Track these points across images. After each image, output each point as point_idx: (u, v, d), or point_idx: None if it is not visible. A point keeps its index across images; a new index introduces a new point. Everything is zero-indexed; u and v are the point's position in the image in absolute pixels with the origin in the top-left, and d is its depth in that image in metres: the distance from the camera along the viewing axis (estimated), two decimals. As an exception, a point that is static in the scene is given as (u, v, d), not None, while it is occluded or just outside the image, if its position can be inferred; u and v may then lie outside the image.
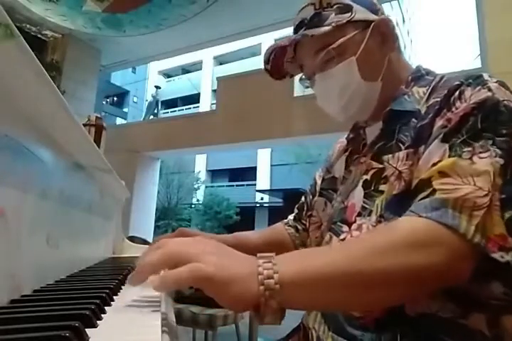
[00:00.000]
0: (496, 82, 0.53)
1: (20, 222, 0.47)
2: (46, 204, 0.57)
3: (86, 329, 0.31)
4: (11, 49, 0.38)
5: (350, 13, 0.63)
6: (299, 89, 5.64)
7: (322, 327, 0.60)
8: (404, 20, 23.92)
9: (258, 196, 16.04)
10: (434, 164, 0.49)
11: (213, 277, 0.36)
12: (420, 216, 0.44)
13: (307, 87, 0.71)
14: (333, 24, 0.62)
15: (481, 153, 0.47)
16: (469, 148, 0.48)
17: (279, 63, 0.71)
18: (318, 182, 0.81)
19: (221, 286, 0.37)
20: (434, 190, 0.46)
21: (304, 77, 0.71)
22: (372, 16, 0.64)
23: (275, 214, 14.50)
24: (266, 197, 15.79)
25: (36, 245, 0.53)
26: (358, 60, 0.62)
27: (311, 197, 0.82)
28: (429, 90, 0.60)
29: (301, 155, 13.02)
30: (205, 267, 0.37)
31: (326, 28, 0.62)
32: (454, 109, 0.52)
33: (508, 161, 0.47)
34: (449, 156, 0.48)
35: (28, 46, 0.40)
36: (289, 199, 12.18)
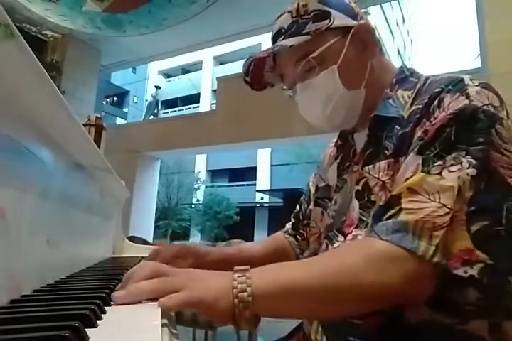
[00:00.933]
0: (477, 86, 0.52)
1: (21, 222, 0.47)
2: (46, 204, 0.57)
3: (86, 329, 0.31)
4: (11, 49, 0.38)
5: (328, 20, 0.61)
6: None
7: (324, 338, 0.59)
8: (404, 20, 23.91)
9: (258, 196, 16.04)
10: (407, 179, 0.49)
11: (202, 300, 0.41)
12: (381, 238, 0.46)
13: (289, 97, 0.69)
14: (311, 32, 0.60)
15: (451, 166, 0.47)
16: (440, 162, 0.48)
17: (259, 74, 0.69)
18: (312, 189, 0.80)
19: (210, 305, 0.41)
20: (401, 209, 0.47)
21: (284, 87, 0.69)
22: (351, 22, 0.62)
23: (275, 214, 14.51)
24: (266, 197, 15.80)
25: (36, 245, 0.53)
26: (340, 68, 0.61)
27: (306, 205, 0.81)
28: (413, 94, 0.59)
29: (301, 155, 13.01)
30: (195, 292, 0.42)
31: (304, 37, 0.60)
32: (432, 118, 0.51)
33: (481, 171, 0.46)
34: (422, 171, 0.48)
35: (28, 46, 0.40)
36: (289, 199, 12.20)
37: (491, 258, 0.43)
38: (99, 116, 1.36)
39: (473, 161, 0.46)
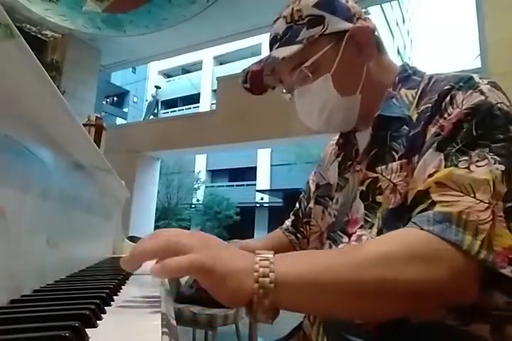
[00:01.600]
0: (487, 84, 0.51)
1: (21, 222, 0.47)
2: (46, 204, 0.57)
3: (86, 329, 0.31)
4: (11, 49, 0.38)
5: (322, 26, 0.60)
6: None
7: (325, 338, 0.59)
8: (404, 20, 23.91)
9: (258, 196, 16.04)
10: (431, 175, 0.47)
11: (213, 270, 0.37)
12: (422, 229, 0.43)
13: (289, 99, 0.69)
14: (304, 41, 0.59)
15: (478, 161, 0.45)
16: (466, 157, 0.46)
17: (259, 79, 0.69)
18: (312, 187, 0.79)
19: (219, 280, 0.37)
20: (434, 203, 0.45)
21: (284, 91, 0.69)
22: (346, 25, 0.61)
23: (275, 214, 14.51)
24: (266, 197, 15.80)
25: (36, 245, 0.53)
26: (334, 75, 0.60)
27: (305, 203, 0.81)
28: (418, 93, 0.58)
29: (301, 155, 13.02)
30: (205, 259, 0.37)
31: (297, 47, 0.59)
32: (446, 115, 0.50)
33: (509, 167, 0.45)
34: (445, 166, 0.47)
35: (28, 46, 0.40)
36: (289, 199, 12.19)
37: None
38: (99, 116, 1.36)
39: (497, 158, 0.45)
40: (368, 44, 0.62)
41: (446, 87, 0.52)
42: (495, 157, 0.45)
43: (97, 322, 0.35)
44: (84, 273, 0.72)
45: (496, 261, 0.40)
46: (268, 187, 15.92)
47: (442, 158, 0.48)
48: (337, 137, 0.76)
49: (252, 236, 14.64)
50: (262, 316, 0.38)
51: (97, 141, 1.29)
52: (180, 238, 0.40)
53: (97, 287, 0.51)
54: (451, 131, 0.49)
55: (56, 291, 0.49)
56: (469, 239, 0.41)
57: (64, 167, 0.67)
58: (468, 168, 0.45)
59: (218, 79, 6.73)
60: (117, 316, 0.38)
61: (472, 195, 0.43)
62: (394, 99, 0.60)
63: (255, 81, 0.69)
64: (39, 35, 6.12)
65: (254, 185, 16.58)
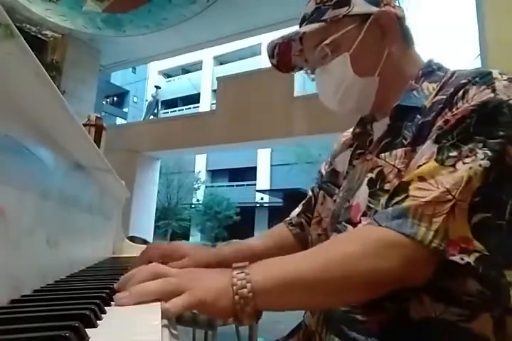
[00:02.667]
0: (505, 80, 0.51)
1: (20, 222, 0.47)
2: (46, 204, 0.57)
3: (86, 329, 0.31)
4: (11, 49, 0.38)
5: (347, 7, 0.62)
6: (299, 89, 5.64)
7: (325, 330, 0.60)
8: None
9: (258, 196, 16.05)
10: (420, 165, 0.49)
11: (205, 299, 0.42)
12: (380, 225, 0.47)
13: (313, 80, 0.71)
14: (327, 20, 0.62)
15: (466, 157, 0.47)
16: (455, 153, 0.47)
17: (287, 57, 0.71)
18: (324, 175, 0.79)
19: (211, 304, 0.42)
20: (407, 197, 0.48)
21: (308, 71, 0.71)
22: (372, 9, 0.62)
23: (275, 214, 14.49)
24: (266, 197, 15.80)
25: (36, 245, 0.53)
26: (352, 55, 0.62)
27: (317, 190, 0.80)
28: (438, 86, 0.58)
29: (301, 155, 13.02)
30: (198, 293, 0.42)
31: (317, 25, 0.62)
32: (454, 109, 0.51)
33: (494, 163, 0.46)
34: (436, 159, 0.48)
35: (28, 46, 0.40)
36: (289, 199, 12.20)
37: (488, 249, 0.44)
38: (99, 116, 1.36)
39: (489, 153, 0.46)
40: (391, 29, 0.63)
41: (463, 81, 0.53)
42: (487, 152, 0.46)
43: (97, 322, 0.35)
44: (84, 273, 0.72)
45: (448, 249, 0.44)
46: (268, 187, 15.92)
47: (435, 150, 0.49)
48: (351, 129, 0.77)
49: (252, 236, 14.62)
50: (247, 320, 0.43)
51: (97, 141, 1.29)
52: (176, 280, 0.44)
53: (97, 287, 0.51)
54: (451, 126, 0.49)
55: (56, 291, 0.49)
56: (423, 230, 0.44)
57: (64, 167, 0.67)
58: (454, 165, 0.47)
59: (218, 79, 6.74)
60: (117, 316, 0.38)
61: (444, 190, 0.46)
62: (415, 92, 0.60)
63: (283, 59, 0.72)
64: (39, 35, 6.12)
65: (254, 185, 16.58)
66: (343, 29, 0.62)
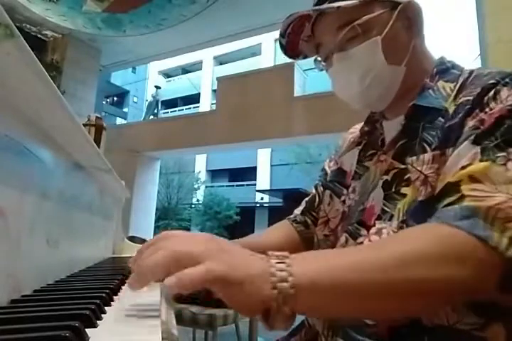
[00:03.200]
0: None
1: (20, 222, 0.47)
2: (46, 204, 0.57)
3: (86, 329, 0.31)
4: (11, 49, 0.38)
5: None
6: (299, 89, 5.64)
7: (331, 333, 0.57)
8: (404, 20, 23.82)
9: (258, 196, 16.04)
10: (463, 167, 0.45)
11: (227, 278, 0.34)
12: (449, 224, 0.41)
13: (321, 70, 0.66)
14: None
15: None
16: (503, 153, 0.44)
17: (295, 41, 0.67)
18: (329, 173, 0.77)
19: (234, 287, 0.34)
20: (463, 196, 0.43)
21: (319, 58, 0.66)
22: None
23: (275, 214, 14.48)
24: (266, 197, 15.79)
25: (36, 245, 0.53)
26: (384, 40, 0.58)
27: (321, 188, 0.78)
28: (457, 87, 0.56)
29: (301, 155, 13.01)
30: (218, 267, 0.34)
31: (353, 2, 0.58)
32: (487, 109, 0.49)
33: None
34: (481, 160, 0.45)
35: (28, 46, 0.40)
36: (289, 199, 12.19)
37: None
38: (99, 116, 1.36)
39: None
40: (417, 21, 0.61)
41: (491, 81, 0.51)
42: None
43: (97, 322, 0.35)
44: (84, 273, 0.72)
45: None
46: (268, 187, 15.91)
47: (478, 151, 0.46)
48: (359, 125, 0.74)
49: (252, 236, 14.61)
50: (281, 324, 0.35)
51: (97, 141, 1.29)
52: (187, 247, 0.37)
53: (97, 287, 0.51)
54: (491, 126, 0.47)
55: (56, 291, 0.49)
56: (497, 236, 0.39)
57: (64, 167, 0.67)
58: (505, 164, 0.44)
59: (218, 79, 6.74)
60: (117, 316, 0.38)
61: (506, 192, 0.41)
62: (431, 91, 0.58)
63: (291, 43, 0.67)
64: (39, 35, 6.12)
65: (254, 185, 16.57)
66: (374, 12, 0.58)
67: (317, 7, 0.60)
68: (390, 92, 0.62)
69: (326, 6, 0.59)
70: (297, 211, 0.81)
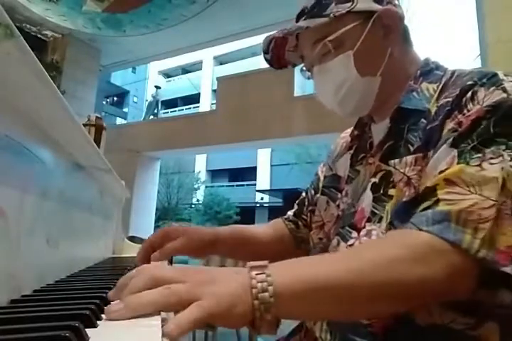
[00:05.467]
0: None
1: (20, 222, 0.47)
2: (46, 204, 0.57)
3: (86, 329, 0.31)
4: (11, 49, 0.38)
5: (351, 3, 0.59)
6: (299, 88, 5.64)
7: (328, 336, 0.58)
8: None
9: (258, 196, 16.04)
10: (442, 171, 0.46)
11: (215, 312, 0.35)
12: (420, 229, 0.43)
13: (308, 78, 0.68)
14: (331, 15, 0.59)
15: (491, 158, 0.44)
16: (479, 155, 0.45)
17: (281, 52, 0.68)
18: (322, 178, 0.78)
19: (225, 314, 0.36)
20: (438, 200, 0.44)
21: (304, 68, 0.68)
22: (375, 6, 0.60)
23: (275, 214, 14.35)
24: (266, 197, 15.79)
25: (36, 245, 0.53)
26: (356, 54, 0.60)
27: (313, 192, 0.79)
28: (439, 87, 0.57)
29: (301, 155, 13.01)
30: (204, 305, 0.34)
31: (322, 20, 0.59)
32: (465, 111, 0.49)
33: None
34: (458, 163, 0.46)
35: (28, 46, 0.40)
36: (288, 199, 12.17)
37: None
38: (99, 116, 1.36)
39: None
40: (395, 28, 0.61)
41: (469, 83, 0.51)
42: (511, 154, 0.44)
43: (97, 322, 0.35)
44: (84, 273, 0.72)
45: (498, 259, 0.40)
46: (268, 187, 15.91)
47: (456, 154, 0.47)
48: (350, 129, 0.75)
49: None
50: (266, 329, 0.37)
51: (97, 141, 1.29)
52: (183, 287, 0.37)
53: (97, 287, 0.51)
54: (468, 128, 0.48)
55: (56, 291, 0.49)
56: (468, 238, 0.40)
57: (64, 167, 0.67)
58: (479, 165, 0.44)
59: (218, 79, 6.74)
60: (117, 316, 0.38)
61: (479, 193, 0.43)
62: (415, 93, 0.59)
63: (277, 55, 0.69)
64: (39, 35, 6.12)
65: (254, 185, 16.57)
66: (346, 26, 0.59)
67: (289, 29, 0.62)
68: (366, 102, 0.63)
69: (296, 26, 0.62)
70: (290, 212, 0.84)
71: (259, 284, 0.37)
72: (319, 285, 0.39)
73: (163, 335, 0.33)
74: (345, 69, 0.61)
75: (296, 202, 0.84)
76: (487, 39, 3.89)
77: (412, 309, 0.48)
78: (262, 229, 0.80)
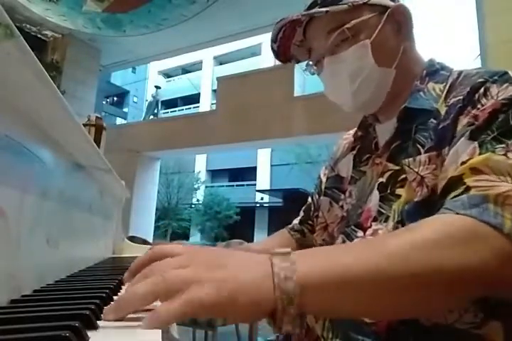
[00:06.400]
0: None
1: (20, 222, 0.47)
2: (46, 204, 0.57)
3: (86, 330, 0.31)
4: (11, 49, 0.38)
5: None
6: (299, 89, 5.64)
7: (330, 334, 0.57)
8: (404, 20, 23.80)
9: (258, 196, 16.04)
10: (464, 162, 0.45)
11: (216, 302, 0.31)
12: (458, 213, 0.39)
13: (313, 74, 0.68)
14: (349, 3, 0.59)
15: None
16: (502, 145, 0.44)
17: (287, 46, 0.68)
18: (324, 180, 0.78)
19: (240, 304, 0.32)
20: (469, 188, 0.42)
21: (310, 62, 0.67)
22: (389, 2, 0.61)
23: (275, 214, 14.50)
24: (266, 197, 15.79)
25: (36, 245, 0.53)
26: (373, 43, 0.59)
27: (317, 196, 0.79)
28: (446, 87, 0.57)
29: (301, 155, 13.01)
30: (203, 293, 0.31)
31: (342, 7, 0.59)
32: (479, 106, 0.49)
33: None
34: (480, 154, 0.45)
35: (28, 46, 0.40)
36: (289, 199, 12.19)
37: None
38: (99, 116, 1.36)
39: None
40: (406, 25, 0.62)
41: (480, 80, 0.52)
42: None
43: (97, 322, 0.35)
44: (84, 273, 0.72)
45: None
46: (268, 187, 15.90)
47: (476, 146, 0.46)
48: (353, 131, 0.75)
49: (252, 236, 14.63)
50: (289, 326, 0.33)
51: (97, 141, 1.29)
52: (178, 272, 0.33)
53: (97, 287, 0.51)
54: (485, 120, 0.47)
55: (56, 291, 0.49)
56: (509, 223, 0.38)
57: (64, 167, 0.67)
58: (505, 154, 0.44)
59: (218, 79, 6.74)
60: (117, 316, 0.38)
61: (510, 181, 0.41)
62: (421, 93, 0.59)
63: (283, 47, 0.68)
64: (39, 35, 6.13)
65: (254, 185, 16.57)
66: (363, 16, 0.60)
67: (306, 12, 0.61)
68: (380, 94, 0.63)
69: (314, 10, 0.61)
70: (296, 221, 0.84)
71: (282, 272, 0.33)
72: (349, 275, 0.34)
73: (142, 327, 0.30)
74: (362, 57, 0.60)
75: (303, 208, 0.84)
76: (487, 39, 3.89)
77: (463, 306, 0.45)
78: (267, 244, 0.80)
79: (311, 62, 0.67)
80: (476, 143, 0.46)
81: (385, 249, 0.37)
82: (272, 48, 0.68)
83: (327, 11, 0.59)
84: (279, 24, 0.64)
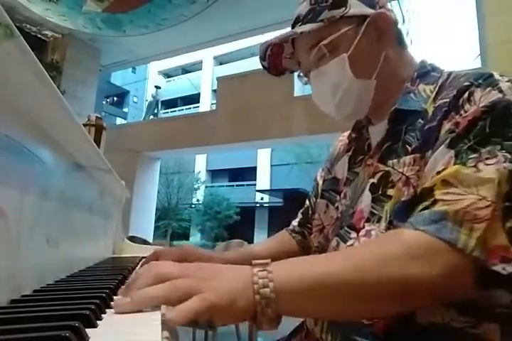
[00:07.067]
0: (508, 81, 0.51)
1: (20, 222, 0.47)
2: (46, 204, 0.57)
3: (86, 329, 0.31)
4: (11, 49, 0.38)
5: (344, 8, 0.61)
6: (298, 89, 5.64)
7: (329, 337, 0.58)
8: (404, 20, 23.89)
9: (258, 196, 16.04)
10: (439, 172, 0.47)
11: (219, 303, 0.37)
12: (417, 229, 0.43)
13: (305, 84, 0.70)
14: (325, 20, 0.61)
15: (487, 159, 0.45)
16: (475, 155, 0.46)
17: (278, 59, 0.70)
18: (320, 183, 0.79)
19: (226, 308, 0.37)
20: (436, 201, 0.45)
21: (301, 74, 0.70)
22: (368, 11, 0.62)
23: (275, 214, 14.49)
24: (266, 197, 15.79)
25: (36, 245, 0.53)
26: (350, 57, 0.61)
27: (314, 199, 0.80)
28: (436, 89, 0.58)
29: (301, 155, 13.01)
30: (205, 298, 0.37)
31: (317, 25, 0.61)
32: (462, 112, 0.50)
33: None
34: (455, 163, 0.46)
35: (28, 46, 0.40)
36: (289, 199, 12.20)
37: None
38: (99, 116, 1.36)
39: (509, 156, 0.45)
40: (388, 32, 0.63)
41: (466, 84, 0.52)
42: (506, 154, 0.45)
43: (97, 322, 0.35)
44: (84, 273, 0.72)
45: (489, 258, 0.41)
46: (268, 187, 15.91)
47: (453, 155, 0.47)
48: (347, 132, 0.76)
49: (252, 236, 14.63)
50: (267, 325, 0.39)
51: (97, 141, 1.29)
52: (186, 281, 0.39)
53: (97, 287, 0.51)
54: (464, 128, 0.48)
55: (56, 291, 0.49)
56: (464, 238, 0.41)
57: (64, 167, 0.67)
58: (475, 166, 0.45)
59: (218, 79, 6.74)
60: (117, 316, 0.38)
61: (476, 193, 0.43)
62: (412, 94, 0.60)
63: (274, 61, 0.70)
64: (39, 35, 6.13)
65: (254, 185, 16.57)
66: (340, 30, 0.61)
67: (283, 35, 0.64)
68: (362, 105, 0.64)
69: (290, 32, 0.64)
70: (294, 222, 0.84)
71: (261, 280, 0.39)
72: (317, 283, 0.40)
73: (163, 324, 0.34)
74: (340, 71, 0.62)
75: (301, 211, 0.85)
76: (487, 39, 3.89)
77: (413, 309, 0.48)
78: (268, 245, 0.80)
79: (301, 74, 0.70)
80: (453, 152, 0.48)
81: (349, 261, 0.42)
82: (263, 65, 0.71)
83: (302, 32, 0.61)
84: (264, 44, 0.67)
